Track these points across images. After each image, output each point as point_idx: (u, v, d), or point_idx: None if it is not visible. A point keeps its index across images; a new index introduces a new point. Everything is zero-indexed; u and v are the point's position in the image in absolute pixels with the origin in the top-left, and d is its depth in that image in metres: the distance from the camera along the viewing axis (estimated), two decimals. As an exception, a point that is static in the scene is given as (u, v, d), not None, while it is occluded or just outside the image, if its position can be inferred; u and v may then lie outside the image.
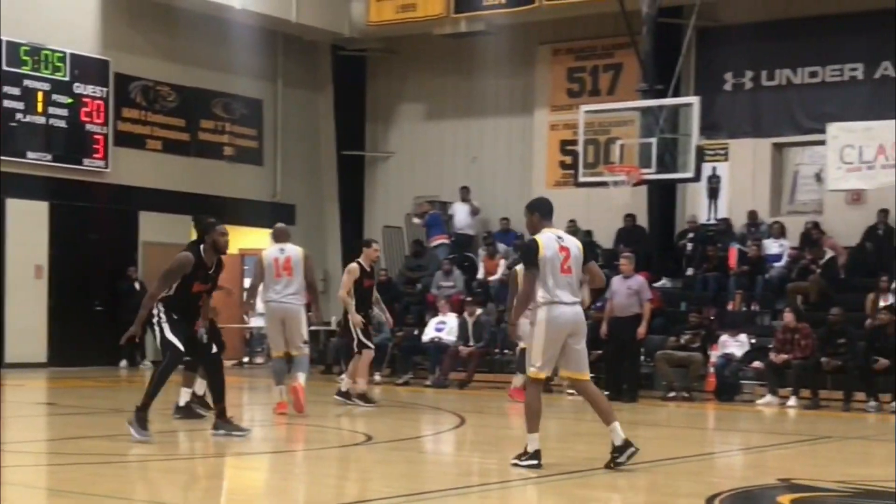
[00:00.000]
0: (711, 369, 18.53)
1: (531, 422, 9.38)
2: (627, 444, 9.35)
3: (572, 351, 9.38)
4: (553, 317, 9.24)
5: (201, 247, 10.71)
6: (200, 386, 13.02)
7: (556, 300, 9.24)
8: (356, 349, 15.20)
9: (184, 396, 12.97)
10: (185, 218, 23.85)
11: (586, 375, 9.53)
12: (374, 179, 27.26)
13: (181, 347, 10.64)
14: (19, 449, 10.86)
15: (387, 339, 21.01)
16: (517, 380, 16.81)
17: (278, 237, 14.09)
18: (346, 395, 15.32)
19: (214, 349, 11.14)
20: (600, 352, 18.21)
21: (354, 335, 15.08)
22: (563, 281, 9.28)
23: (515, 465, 9.43)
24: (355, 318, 14.96)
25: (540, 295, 9.24)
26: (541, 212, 9.53)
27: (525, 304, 9.40)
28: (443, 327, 20.77)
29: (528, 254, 9.32)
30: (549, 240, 9.34)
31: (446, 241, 24.31)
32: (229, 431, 11.14)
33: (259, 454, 10.64)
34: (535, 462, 9.34)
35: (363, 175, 27.25)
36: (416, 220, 25.20)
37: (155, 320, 10.67)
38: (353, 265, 15.12)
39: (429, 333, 20.69)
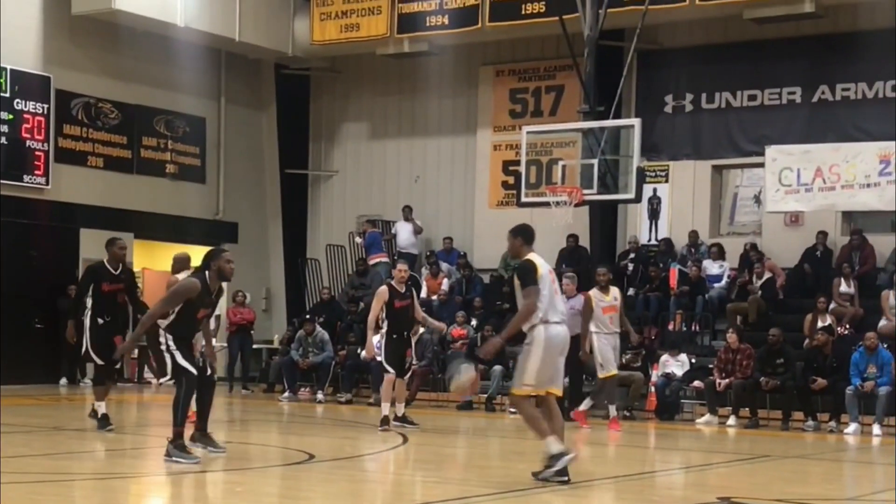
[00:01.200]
0: (652, 388, 18.69)
1: (539, 429, 9.62)
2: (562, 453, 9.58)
3: (559, 367, 9.83)
4: (550, 336, 9.62)
5: (206, 273, 10.83)
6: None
7: (552, 320, 9.64)
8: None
9: (102, 408, 13.56)
10: (127, 235, 23.63)
11: (560, 391, 9.89)
12: (317, 198, 27.22)
13: (194, 372, 10.81)
14: (-43, 468, 10.75)
15: (329, 358, 21.00)
16: (585, 403, 16.83)
17: (184, 265, 14.28)
18: (402, 419, 15.43)
19: (209, 372, 11.28)
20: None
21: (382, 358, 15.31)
22: (556, 301, 9.72)
23: (545, 478, 9.53)
24: (369, 347, 15.64)
25: (538, 314, 9.56)
26: (524, 237, 9.92)
27: (525, 321, 9.65)
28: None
29: (528, 273, 9.58)
30: (541, 261, 9.74)
31: (385, 259, 24.31)
32: (206, 446, 11.34)
33: (200, 472, 10.58)
34: (567, 456, 9.52)
35: (307, 193, 27.19)
36: (357, 240, 25.21)
37: (164, 347, 10.84)
38: (382, 288, 15.29)
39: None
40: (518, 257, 9.89)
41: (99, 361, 13.55)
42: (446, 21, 23.61)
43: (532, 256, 9.76)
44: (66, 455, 11.86)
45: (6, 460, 11.11)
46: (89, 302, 13.57)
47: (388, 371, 15.16)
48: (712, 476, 11.74)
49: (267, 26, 24.88)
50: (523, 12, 22.74)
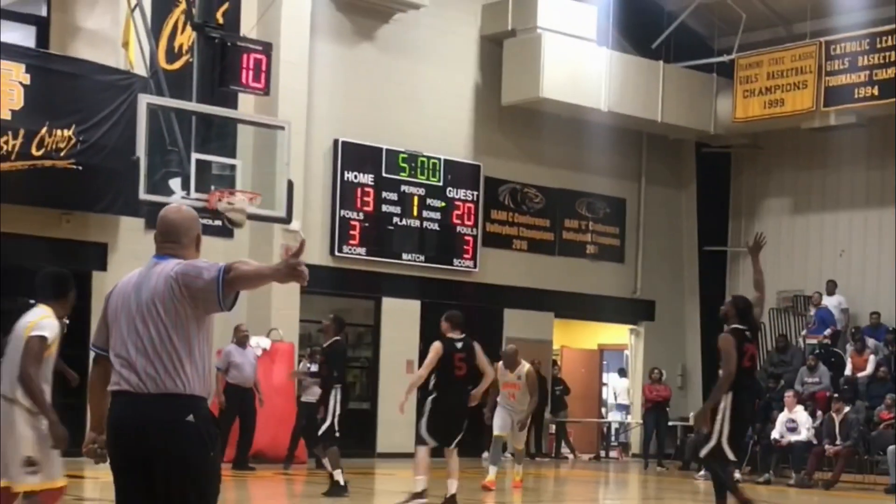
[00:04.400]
0: None
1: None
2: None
3: None
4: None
5: None
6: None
7: None
8: None
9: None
10: (547, 315, 24.62)
11: None
12: (736, 274, 26.92)
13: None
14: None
15: (748, 437, 20.73)
16: None
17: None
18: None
19: None
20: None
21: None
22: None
23: None
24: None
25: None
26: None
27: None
28: (794, 425, 20.26)
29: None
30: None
31: (827, 341, 23.63)
32: None
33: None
34: None
35: (725, 270, 27.04)
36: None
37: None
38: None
39: (778, 431, 20.33)
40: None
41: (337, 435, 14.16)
42: (876, 92, 22.96)
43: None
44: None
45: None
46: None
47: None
48: None
49: (689, 106, 25.09)
50: (959, 77, 21.79)
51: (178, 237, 5.44)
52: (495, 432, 16.90)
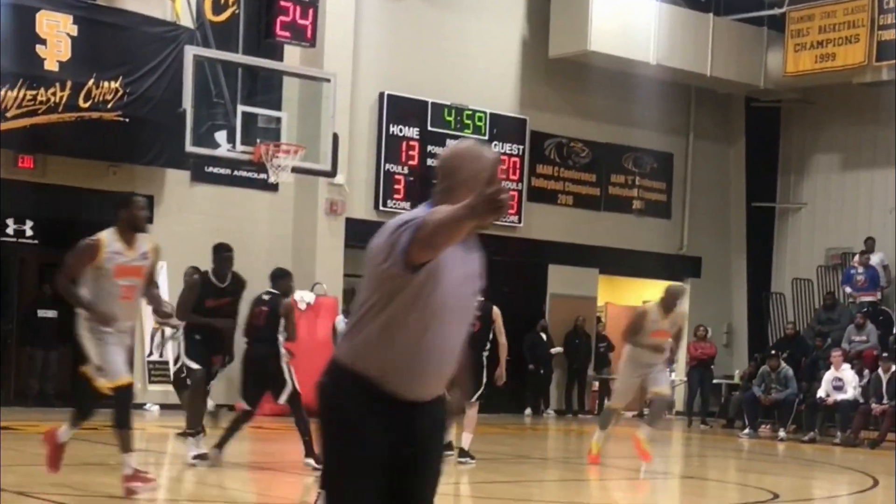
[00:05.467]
0: None
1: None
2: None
3: None
4: None
5: None
6: None
7: None
8: None
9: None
10: (592, 271, 24.50)
11: None
12: (784, 231, 26.72)
13: None
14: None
15: (793, 395, 20.64)
16: None
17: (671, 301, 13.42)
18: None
19: None
20: None
21: None
22: None
23: None
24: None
25: None
26: None
27: None
28: (840, 384, 20.09)
29: None
30: None
31: (875, 299, 23.31)
32: None
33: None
34: None
35: (773, 227, 26.73)
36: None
37: None
38: None
39: (824, 389, 20.17)
40: None
41: None
42: (928, 47, 22.62)
43: None
44: (531, 483, 12.49)
45: (479, 486, 11.93)
46: None
47: None
48: None
49: (739, 60, 24.73)
50: None
51: (439, 178, 4.69)
52: (614, 404, 14.32)
